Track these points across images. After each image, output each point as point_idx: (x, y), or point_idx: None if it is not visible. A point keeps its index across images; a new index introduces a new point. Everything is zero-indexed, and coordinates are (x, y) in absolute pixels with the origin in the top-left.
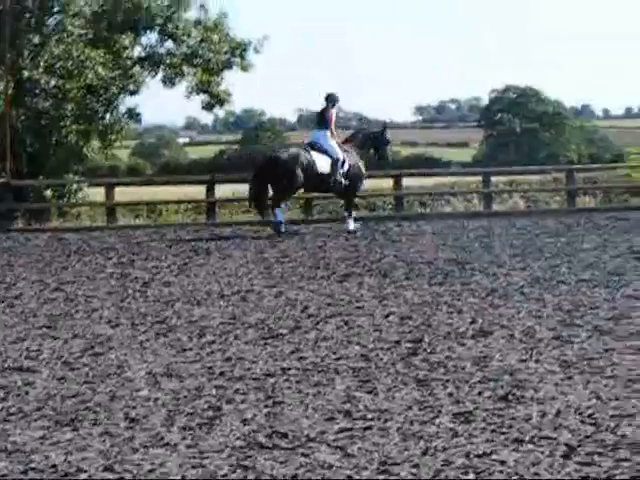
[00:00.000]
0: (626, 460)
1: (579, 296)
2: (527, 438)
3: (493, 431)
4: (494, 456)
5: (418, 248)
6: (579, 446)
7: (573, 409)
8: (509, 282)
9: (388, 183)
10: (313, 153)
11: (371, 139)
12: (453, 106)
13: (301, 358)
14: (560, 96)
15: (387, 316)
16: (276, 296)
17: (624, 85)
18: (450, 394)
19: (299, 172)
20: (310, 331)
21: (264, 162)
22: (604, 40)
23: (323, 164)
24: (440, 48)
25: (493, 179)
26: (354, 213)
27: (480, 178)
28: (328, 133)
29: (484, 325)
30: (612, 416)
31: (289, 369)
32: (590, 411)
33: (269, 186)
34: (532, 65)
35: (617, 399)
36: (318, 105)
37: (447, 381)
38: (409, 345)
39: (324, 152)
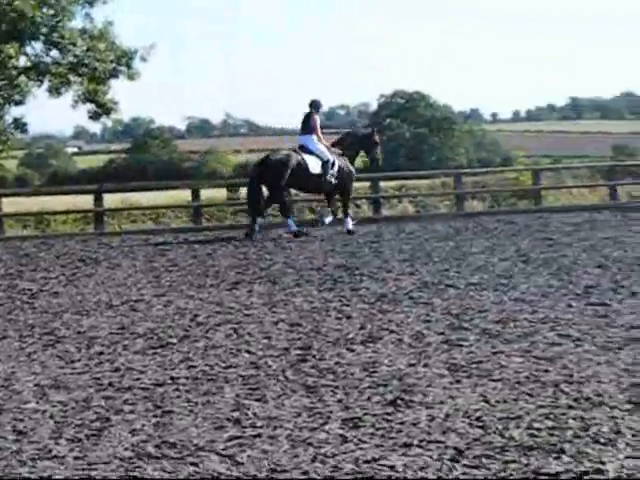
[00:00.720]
0: (514, 462)
1: (467, 300)
2: (416, 442)
3: (382, 436)
4: (383, 461)
5: (308, 254)
6: (467, 449)
7: (461, 412)
8: (398, 287)
9: None
10: (304, 155)
11: (359, 142)
12: (342, 112)
13: (190, 367)
14: (449, 100)
15: (276, 323)
16: (165, 305)
17: (512, 89)
18: (339, 400)
19: (288, 172)
20: (199, 340)
21: (257, 165)
22: (490, 45)
23: (314, 165)
24: (327, 54)
25: (382, 184)
26: (350, 212)
27: (369, 184)
28: (314, 137)
29: (373, 330)
30: (500, 419)
31: (178, 378)
32: (478, 414)
33: (263, 188)
34: (420, 70)
35: (505, 401)
36: (207, 112)
37: (336, 387)
38: (298, 352)
39: (314, 154)
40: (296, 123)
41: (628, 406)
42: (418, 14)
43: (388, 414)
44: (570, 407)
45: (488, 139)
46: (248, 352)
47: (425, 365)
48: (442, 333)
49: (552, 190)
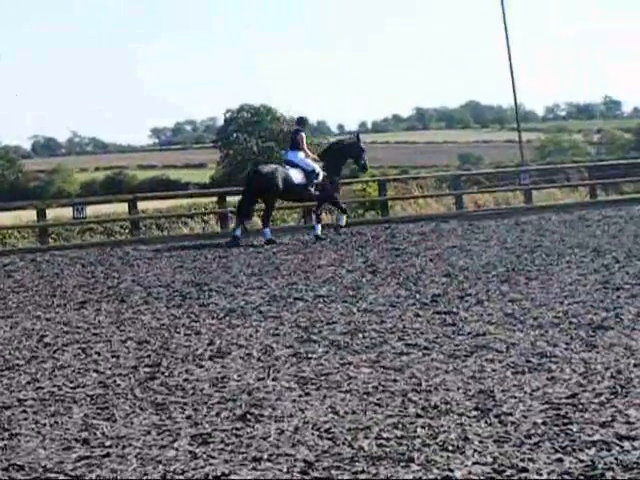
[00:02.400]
0: (363, 472)
1: (316, 312)
2: (265, 456)
3: (231, 451)
4: (233, 476)
5: (156, 271)
6: (317, 461)
7: (311, 425)
8: (247, 301)
9: (123, 207)
10: (288, 167)
11: (347, 150)
12: (189, 127)
13: (38, 388)
14: (295, 114)
15: (125, 341)
16: (12, 327)
17: (358, 101)
18: (188, 417)
19: (280, 182)
20: (47, 360)
21: (250, 176)
22: (336, 56)
23: (298, 176)
24: (174, 70)
25: (229, 199)
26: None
27: (216, 199)
28: (301, 154)
29: (222, 346)
30: (349, 429)
31: (25, 400)
32: (327, 426)
33: (257, 197)
34: (266, 83)
35: (354, 412)
36: (53, 131)
37: (185, 404)
38: (147, 369)
39: (298, 166)
40: (142, 138)
41: (475, 413)
42: None
43: (237, 429)
44: (418, 416)
45: None
46: (96, 371)
47: (274, 379)
48: (291, 346)
49: (399, 200)
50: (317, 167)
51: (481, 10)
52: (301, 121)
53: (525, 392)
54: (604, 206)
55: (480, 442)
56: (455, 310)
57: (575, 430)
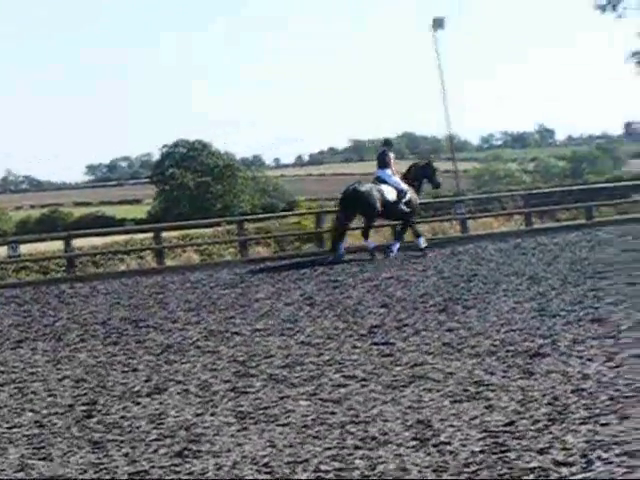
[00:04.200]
0: None
1: (254, 346)
2: None
3: None
4: None
5: (92, 309)
6: None
7: (249, 459)
8: (184, 337)
9: (59, 245)
10: (382, 185)
11: (423, 171)
12: (125, 164)
13: None
14: (231, 148)
15: (61, 380)
16: None
17: (294, 134)
18: (126, 454)
19: (377, 199)
20: None
21: (347, 196)
22: (272, 91)
23: (391, 194)
24: (109, 107)
25: (165, 234)
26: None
27: (152, 234)
28: (389, 171)
29: (159, 382)
30: (287, 463)
31: None
32: (266, 460)
33: (355, 215)
34: (200, 119)
35: (292, 446)
36: None
37: (122, 441)
38: (84, 408)
39: (389, 184)
40: (77, 176)
41: (413, 443)
42: None
43: (175, 465)
44: (357, 447)
45: (272, 185)
46: (32, 411)
47: (212, 414)
48: (229, 381)
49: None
50: (405, 186)
51: (415, 42)
52: (387, 142)
53: (463, 421)
54: (539, 234)
55: (419, 472)
56: (393, 341)
57: (513, 457)
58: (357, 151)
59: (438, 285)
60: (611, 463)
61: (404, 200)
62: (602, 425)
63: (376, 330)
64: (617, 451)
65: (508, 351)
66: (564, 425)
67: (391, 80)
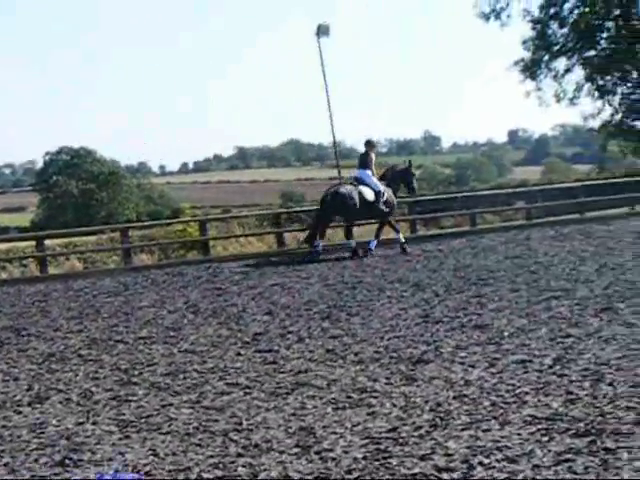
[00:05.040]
0: None
1: (137, 354)
2: None
3: None
4: None
5: None
6: None
7: (130, 468)
8: (66, 345)
9: None
10: (361, 186)
11: (401, 175)
12: (8, 171)
13: None
14: (116, 155)
15: None
16: None
17: (179, 141)
18: (6, 464)
19: (357, 200)
20: None
21: (329, 196)
22: (157, 98)
23: (369, 195)
24: None
25: (49, 242)
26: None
27: (34, 242)
28: (369, 172)
29: (41, 391)
30: (169, 471)
31: None
32: (147, 468)
33: (335, 216)
34: (85, 126)
35: (174, 454)
36: None
37: (3, 451)
38: None
39: (368, 186)
40: None
41: (296, 450)
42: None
43: (56, 474)
44: (239, 455)
45: (157, 192)
46: None
47: (94, 423)
48: (111, 389)
49: (220, 240)
50: (382, 187)
51: (299, 49)
52: (370, 143)
53: (346, 427)
54: (424, 241)
55: (301, 479)
56: (276, 348)
57: (395, 464)
58: (243, 158)
59: (322, 292)
60: (492, 468)
61: (382, 200)
62: (484, 431)
63: (260, 337)
64: (498, 456)
65: (391, 358)
66: (446, 431)
67: (277, 87)
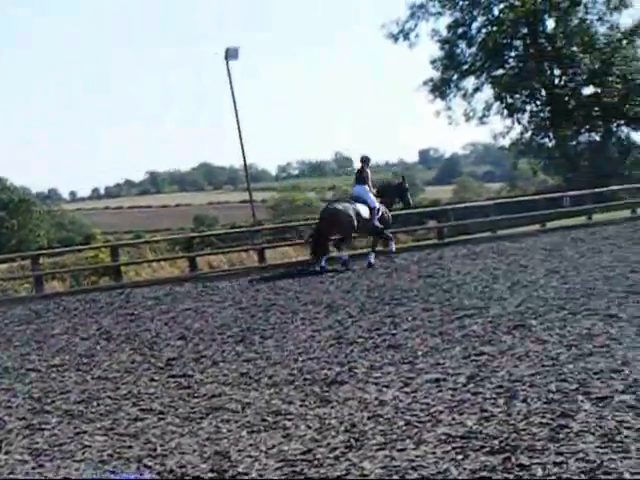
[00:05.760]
0: None
1: (49, 382)
2: None
3: None
4: None
5: None
6: None
7: None
8: None
9: None
10: (357, 204)
11: (395, 190)
12: None
13: None
14: (26, 182)
15: None
16: None
17: (90, 167)
18: None
19: (354, 217)
20: None
21: (326, 214)
22: (65, 124)
23: (364, 212)
24: None
25: None
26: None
27: None
28: (366, 187)
29: None
30: None
31: None
32: None
33: (332, 233)
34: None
35: None
36: None
37: None
38: None
39: (364, 202)
40: None
41: (211, 475)
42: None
43: None
44: None
45: (68, 218)
46: None
47: (6, 452)
48: (24, 418)
49: (132, 265)
50: (377, 204)
51: (209, 73)
52: (366, 159)
53: (261, 451)
54: (337, 262)
55: None
56: (190, 373)
57: None
58: (154, 183)
59: (236, 316)
60: None
61: (376, 217)
62: (399, 450)
63: (173, 362)
64: (413, 476)
65: (305, 380)
66: (361, 452)
67: (186, 110)
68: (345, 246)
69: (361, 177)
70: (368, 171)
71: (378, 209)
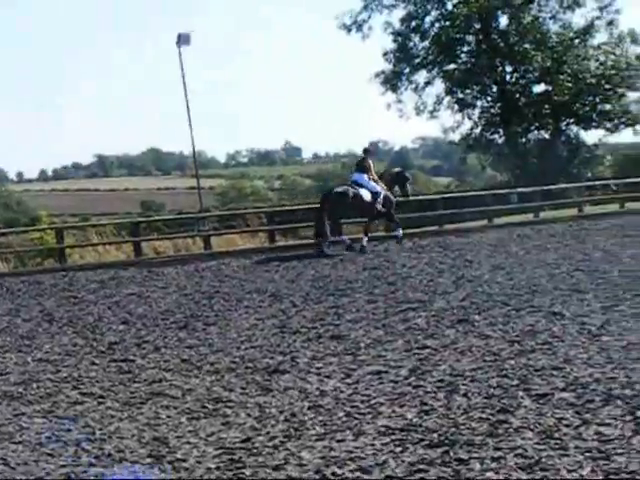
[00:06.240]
0: None
1: None
2: None
3: None
4: None
5: None
6: None
7: None
8: None
9: None
10: (358, 188)
11: (396, 178)
12: None
13: None
14: None
15: None
16: None
17: (37, 148)
18: None
19: (350, 199)
20: None
21: (327, 196)
22: (15, 106)
23: (367, 195)
24: None
25: None
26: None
27: None
28: (365, 176)
29: None
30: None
31: None
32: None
33: (333, 213)
34: None
35: (26, 464)
36: None
37: None
38: None
39: (365, 187)
40: None
41: (149, 460)
42: None
43: None
44: (91, 465)
45: (14, 199)
46: None
47: None
48: None
49: (77, 248)
50: (379, 188)
51: (159, 57)
52: (367, 151)
53: (200, 437)
54: (283, 251)
55: None
56: (132, 357)
57: (248, 474)
58: (102, 167)
59: (180, 302)
60: (345, 479)
61: (379, 200)
62: (338, 441)
63: (115, 347)
64: (352, 467)
65: (247, 368)
66: (300, 441)
67: (136, 95)
68: (370, 229)
69: (362, 166)
70: (370, 161)
71: (380, 193)
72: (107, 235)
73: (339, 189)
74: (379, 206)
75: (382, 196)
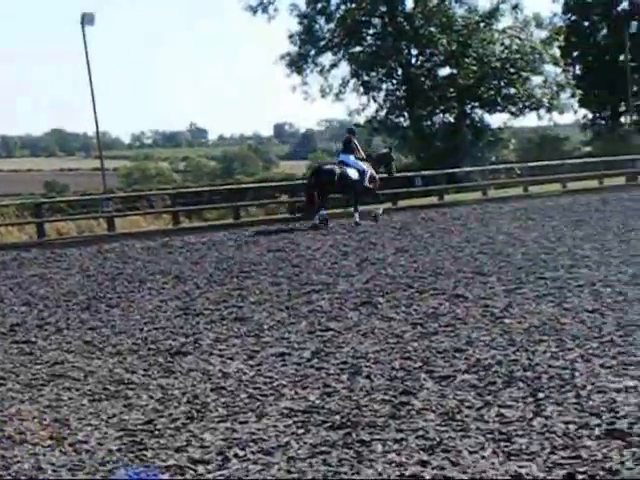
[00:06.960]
0: None
1: None
2: None
3: None
4: None
5: None
6: None
7: None
8: None
9: None
10: (344, 167)
11: (382, 157)
12: None
13: None
14: None
15: None
16: None
17: None
18: None
19: (336, 177)
20: None
21: (314, 172)
22: None
23: (353, 174)
24: None
25: None
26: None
27: None
28: (352, 156)
29: None
30: None
31: None
32: None
33: (319, 189)
34: None
35: None
36: None
37: None
38: None
39: (352, 166)
40: None
41: (50, 442)
42: None
43: None
44: None
45: None
46: None
47: None
48: None
49: None
50: (366, 167)
51: (62, 36)
52: (351, 131)
53: (101, 419)
54: (187, 233)
55: (54, 471)
56: (33, 339)
57: (150, 456)
58: (5, 147)
59: (82, 283)
60: (247, 460)
61: (366, 178)
62: (240, 423)
63: (17, 328)
64: (254, 448)
65: (150, 349)
66: (202, 423)
67: (40, 74)
68: (358, 204)
69: (349, 147)
70: (355, 142)
71: (365, 171)
72: (9, 216)
73: (327, 167)
74: (366, 182)
75: (368, 174)
